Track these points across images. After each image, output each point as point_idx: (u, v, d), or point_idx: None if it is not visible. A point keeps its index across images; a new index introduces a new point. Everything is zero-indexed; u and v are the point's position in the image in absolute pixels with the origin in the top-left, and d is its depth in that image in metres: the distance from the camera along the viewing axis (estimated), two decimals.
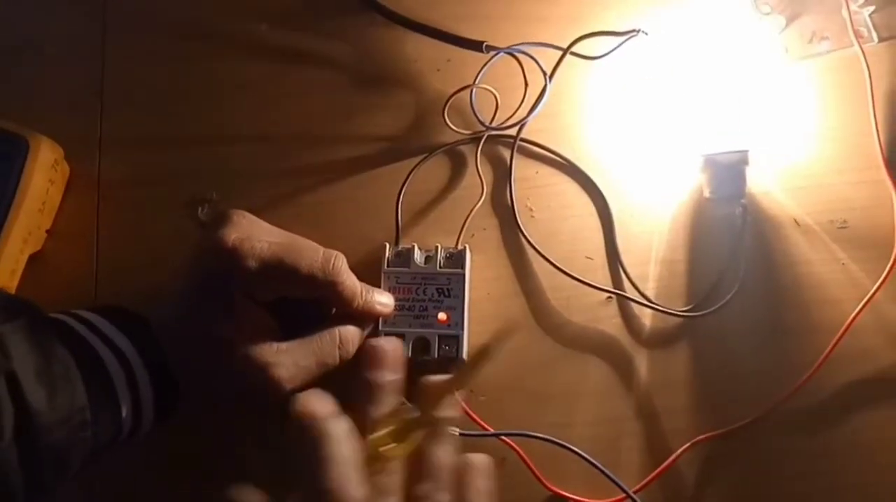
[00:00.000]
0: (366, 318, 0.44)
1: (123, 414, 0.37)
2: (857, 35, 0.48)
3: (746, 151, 0.46)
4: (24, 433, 0.33)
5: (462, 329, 0.44)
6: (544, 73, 0.47)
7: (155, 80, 0.52)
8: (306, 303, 0.42)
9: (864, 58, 0.48)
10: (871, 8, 0.49)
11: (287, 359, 0.40)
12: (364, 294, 0.43)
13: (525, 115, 0.48)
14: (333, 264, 0.41)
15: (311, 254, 0.40)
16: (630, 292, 0.47)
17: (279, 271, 0.39)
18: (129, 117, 0.51)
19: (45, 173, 0.47)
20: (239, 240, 0.39)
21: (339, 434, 0.34)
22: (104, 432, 0.37)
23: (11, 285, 0.47)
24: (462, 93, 0.47)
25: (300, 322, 0.42)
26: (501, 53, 0.47)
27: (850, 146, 0.48)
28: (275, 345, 0.40)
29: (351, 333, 0.43)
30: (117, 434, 0.37)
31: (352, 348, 0.43)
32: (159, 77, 0.52)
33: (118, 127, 0.51)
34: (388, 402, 0.37)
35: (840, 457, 0.44)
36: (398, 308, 0.45)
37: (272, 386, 0.39)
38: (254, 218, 0.42)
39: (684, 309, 0.46)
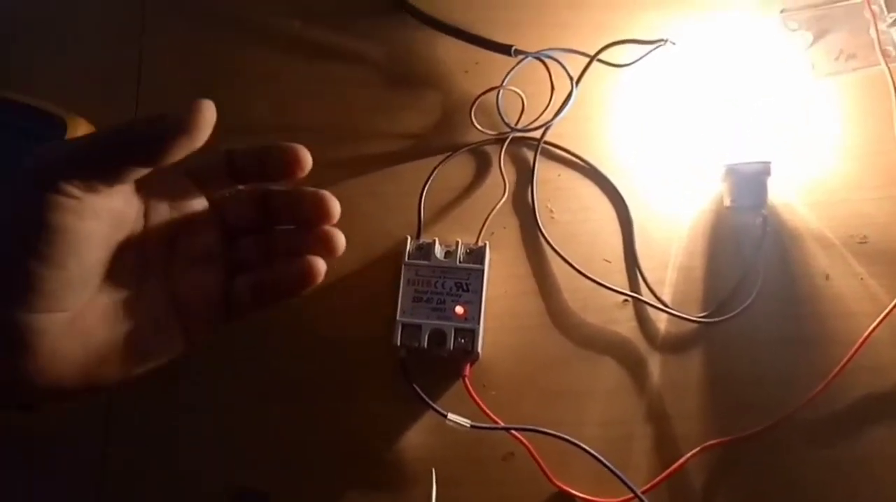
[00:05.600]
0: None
1: None
2: (885, 54, 0.49)
3: (769, 162, 0.46)
4: None
5: (478, 323, 0.45)
6: (571, 79, 0.48)
7: (190, 67, 0.53)
8: None
9: (891, 76, 0.48)
10: None
11: None
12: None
13: (550, 118, 0.48)
14: None
15: None
16: (646, 296, 0.47)
17: None
18: (163, 103, 0.52)
19: None
20: None
21: None
22: None
23: None
24: (489, 94, 0.48)
25: None
26: (529, 58, 0.48)
27: (872, 163, 0.48)
28: None
29: None
30: None
31: None
32: (194, 65, 0.53)
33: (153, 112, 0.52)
34: None
35: (851, 471, 0.44)
36: (416, 299, 0.45)
37: None
38: None
39: (700, 315, 0.47)
